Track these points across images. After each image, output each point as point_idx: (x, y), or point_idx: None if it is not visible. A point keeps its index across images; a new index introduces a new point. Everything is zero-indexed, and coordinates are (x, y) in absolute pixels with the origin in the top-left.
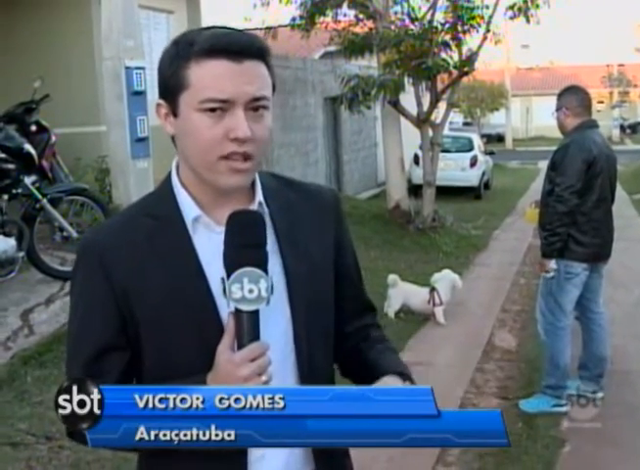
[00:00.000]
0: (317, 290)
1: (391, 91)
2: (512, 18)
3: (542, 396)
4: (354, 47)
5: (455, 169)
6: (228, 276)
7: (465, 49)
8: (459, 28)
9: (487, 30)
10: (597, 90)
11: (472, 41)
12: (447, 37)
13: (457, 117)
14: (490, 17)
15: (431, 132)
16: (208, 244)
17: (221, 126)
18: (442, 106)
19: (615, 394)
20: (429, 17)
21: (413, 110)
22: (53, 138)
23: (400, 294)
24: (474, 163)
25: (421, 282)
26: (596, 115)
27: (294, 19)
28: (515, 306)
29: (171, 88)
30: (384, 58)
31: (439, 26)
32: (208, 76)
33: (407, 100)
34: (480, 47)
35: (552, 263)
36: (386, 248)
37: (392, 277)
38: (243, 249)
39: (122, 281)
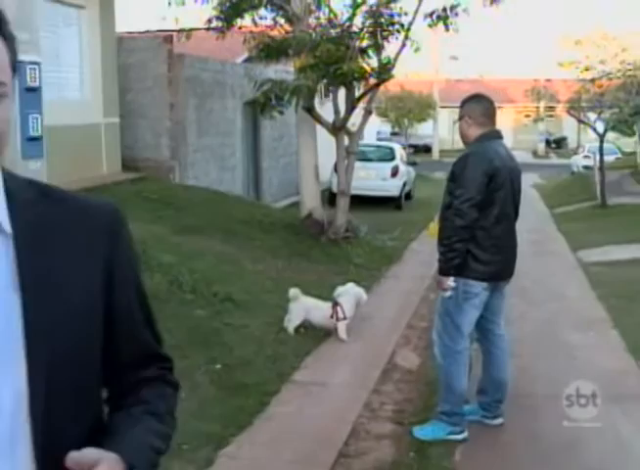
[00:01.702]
0: (71, 336)
1: (305, 96)
2: (430, 25)
3: (437, 422)
4: (270, 51)
5: (376, 179)
6: None
7: (384, 56)
8: (378, 35)
9: (406, 37)
10: (524, 104)
11: (392, 49)
12: (365, 43)
13: (385, 127)
14: (410, 24)
15: (347, 140)
16: None
17: None
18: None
19: (516, 419)
20: (348, 22)
21: (332, 117)
22: None
23: (301, 308)
24: (395, 173)
25: (328, 294)
26: (523, 128)
27: (210, 20)
28: (422, 323)
29: None
30: (298, 62)
31: (357, 32)
32: None
33: (328, 107)
34: (398, 54)
35: (450, 281)
36: (294, 259)
37: (293, 291)
38: None
39: None
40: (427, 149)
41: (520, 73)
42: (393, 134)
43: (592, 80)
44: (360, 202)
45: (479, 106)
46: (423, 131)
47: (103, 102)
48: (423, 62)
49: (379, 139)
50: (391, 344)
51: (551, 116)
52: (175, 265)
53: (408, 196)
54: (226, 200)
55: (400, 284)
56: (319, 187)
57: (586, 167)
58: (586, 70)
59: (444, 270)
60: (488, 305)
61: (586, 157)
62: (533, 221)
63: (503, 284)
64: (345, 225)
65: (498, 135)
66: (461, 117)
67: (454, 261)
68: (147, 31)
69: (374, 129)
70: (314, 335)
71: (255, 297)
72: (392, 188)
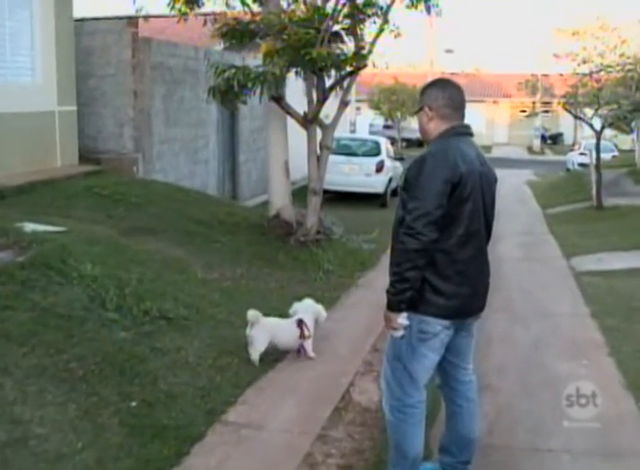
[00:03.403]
0: None
1: (271, 84)
2: (409, 7)
3: None
4: (235, 35)
5: (359, 175)
6: None
7: (360, 41)
8: (355, 17)
9: (385, 21)
10: (520, 99)
11: (371, 34)
12: (338, 27)
13: (378, 120)
14: (389, 7)
15: (320, 134)
16: None
17: None
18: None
19: None
20: (320, 3)
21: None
22: None
23: (265, 332)
24: (380, 168)
25: (287, 307)
26: (518, 124)
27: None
28: None
29: None
30: (265, 46)
31: (330, 13)
32: None
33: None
34: (375, 39)
35: (402, 318)
36: (256, 263)
37: (253, 313)
38: None
39: None
40: (420, 143)
41: (516, 68)
42: (386, 127)
43: (590, 74)
44: (341, 199)
45: (442, 94)
46: (416, 125)
47: (57, 88)
48: (418, 55)
49: (371, 132)
50: (350, 372)
51: (547, 111)
52: (101, 277)
53: (395, 193)
54: (188, 197)
55: (372, 294)
56: (289, 185)
57: (582, 165)
58: (584, 62)
59: (394, 305)
60: (452, 346)
61: (582, 154)
62: (524, 222)
63: (471, 321)
64: (317, 226)
65: (466, 131)
66: (420, 108)
67: (406, 294)
68: (120, 18)
69: (366, 122)
70: (262, 360)
71: (198, 312)
72: (377, 184)
